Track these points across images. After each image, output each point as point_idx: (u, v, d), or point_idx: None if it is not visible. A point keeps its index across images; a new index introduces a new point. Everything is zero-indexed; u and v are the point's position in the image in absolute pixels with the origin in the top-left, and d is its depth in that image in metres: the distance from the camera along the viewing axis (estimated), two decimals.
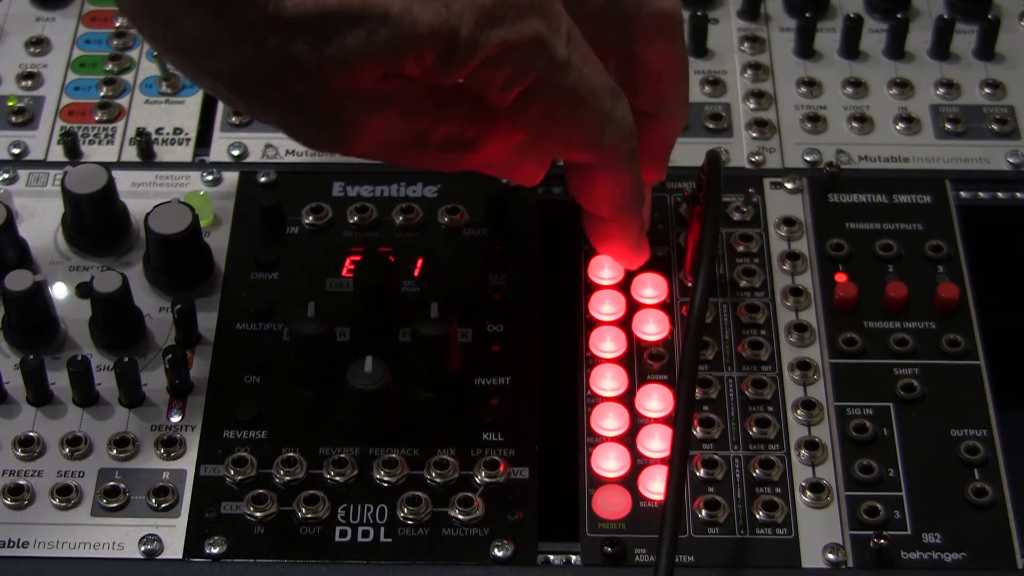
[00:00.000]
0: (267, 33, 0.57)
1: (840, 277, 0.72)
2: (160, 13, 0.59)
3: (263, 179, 0.76)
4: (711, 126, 0.79)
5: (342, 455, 0.66)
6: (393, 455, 0.66)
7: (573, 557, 0.64)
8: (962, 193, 0.76)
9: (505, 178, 0.71)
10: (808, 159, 0.77)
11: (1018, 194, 0.76)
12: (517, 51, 0.59)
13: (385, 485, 0.65)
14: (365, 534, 0.64)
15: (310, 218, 0.74)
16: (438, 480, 0.65)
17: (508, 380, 0.69)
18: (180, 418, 0.68)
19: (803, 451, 0.66)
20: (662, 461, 0.66)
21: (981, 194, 0.76)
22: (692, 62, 0.82)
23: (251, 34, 0.57)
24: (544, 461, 0.66)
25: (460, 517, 0.64)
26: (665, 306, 0.71)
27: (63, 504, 0.65)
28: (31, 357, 0.67)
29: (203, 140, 0.79)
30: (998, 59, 0.82)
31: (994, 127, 0.79)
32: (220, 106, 0.79)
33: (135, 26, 0.62)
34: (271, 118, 0.61)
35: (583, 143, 0.64)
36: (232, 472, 0.66)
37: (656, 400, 0.68)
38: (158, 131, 0.79)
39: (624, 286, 0.72)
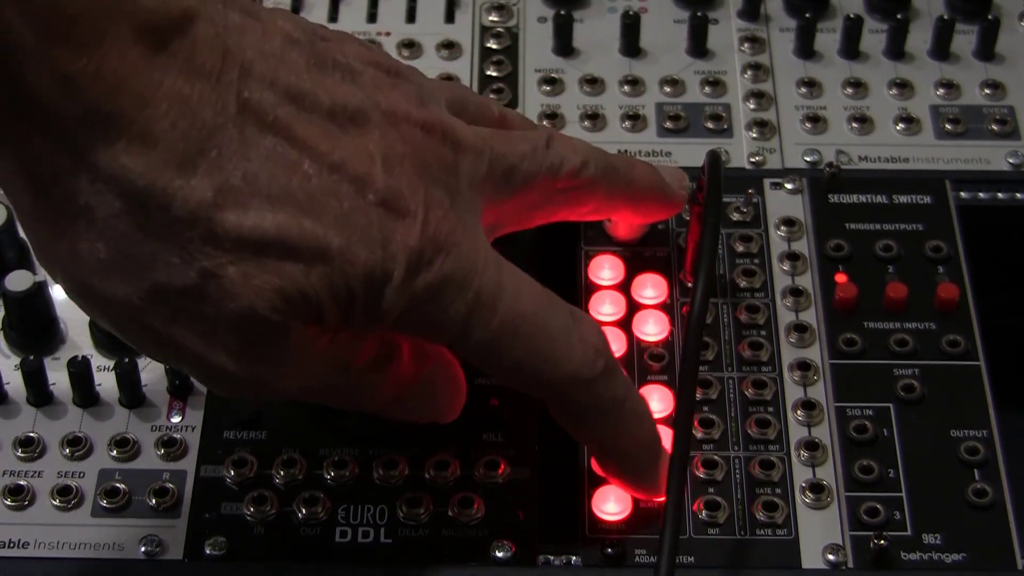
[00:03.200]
0: (196, 254, 0.52)
1: (840, 277, 0.72)
2: (63, 231, 0.52)
3: None
4: (711, 126, 0.79)
5: (342, 455, 0.66)
6: (393, 455, 0.66)
7: (573, 558, 0.64)
8: (962, 193, 0.76)
9: (422, 420, 0.64)
10: (808, 159, 0.77)
11: (1018, 195, 0.76)
12: (445, 292, 0.56)
13: (385, 486, 0.65)
14: (365, 534, 0.64)
15: None
16: (438, 480, 0.65)
17: None
18: (180, 419, 0.68)
19: (803, 452, 0.66)
20: None
21: (981, 194, 0.76)
22: (692, 62, 0.82)
23: (177, 253, 0.52)
24: (544, 461, 0.66)
25: (460, 518, 0.64)
26: (665, 307, 0.71)
27: (63, 505, 0.65)
28: (31, 358, 0.67)
29: None
30: (998, 59, 0.82)
31: (994, 127, 0.79)
32: None
33: (27, 236, 0.54)
34: (185, 351, 0.55)
35: (539, 377, 0.59)
36: (232, 473, 0.66)
37: (656, 401, 0.68)
38: None
39: (624, 287, 0.72)
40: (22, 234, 0.72)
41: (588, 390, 0.60)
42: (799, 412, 0.68)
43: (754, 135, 0.78)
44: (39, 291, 0.68)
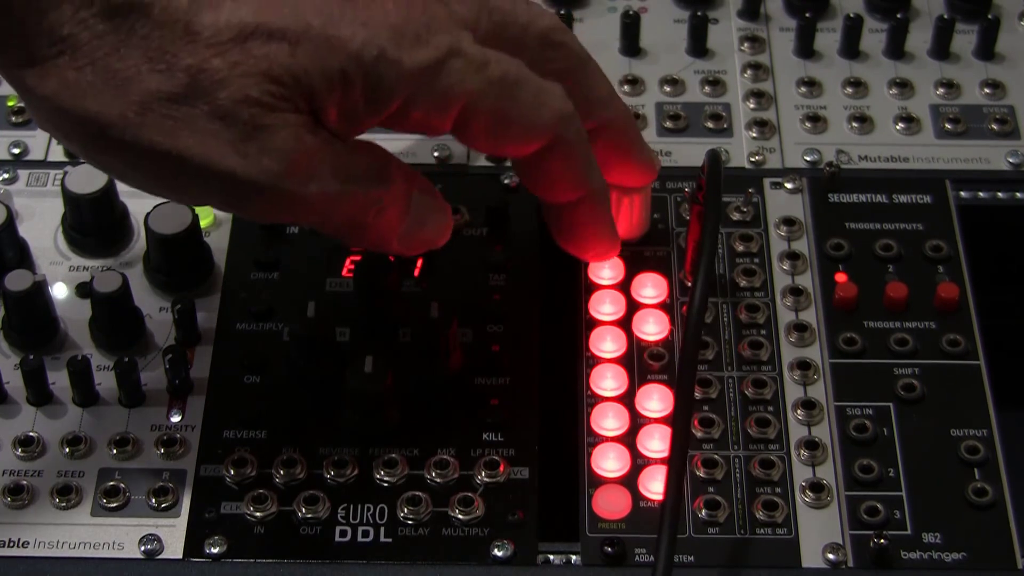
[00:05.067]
0: (179, 55, 0.55)
1: (840, 277, 0.72)
2: (50, 68, 0.56)
3: None
4: (711, 126, 0.79)
5: (342, 455, 0.66)
6: (393, 455, 0.66)
7: (573, 557, 0.64)
8: (962, 193, 0.76)
9: (422, 246, 0.65)
10: (808, 159, 0.77)
11: (1018, 194, 0.76)
12: (441, 69, 0.59)
13: (385, 485, 0.65)
14: (365, 534, 0.64)
15: None
16: (438, 480, 0.65)
17: (508, 380, 0.69)
18: (180, 418, 0.68)
19: (803, 451, 0.66)
20: (662, 461, 0.66)
21: (981, 194, 0.76)
22: (692, 62, 0.82)
23: (162, 59, 0.55)
24: (544, 461, 0.66)
25: (460, 517, 0.64)
26: (665, 306, 0.71)
27: (63, 504, 0.65)
28: (31, 357, 0.67)
29: None
30: (998, 59, 0.82)
31: (994, 127, 0.79)
32: None
33: (14, 86, 0.58)
34: (189, 162, 0.56)
35: (535, 126, 0.63)
36: (232, 472, 0.66)
37: (656, 400, 0.68)
38: None
39: (624, 286, 0.72)
40: (22, 234, 0.73)
41: (574, 123, 0.64)
42: (799, 411, 0.68)
43: (754, 135, 0.78)
44: (39, 290, 0.68)
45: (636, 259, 0.73)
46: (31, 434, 0.67)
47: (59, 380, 0.68)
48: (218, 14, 0.56)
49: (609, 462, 0.66)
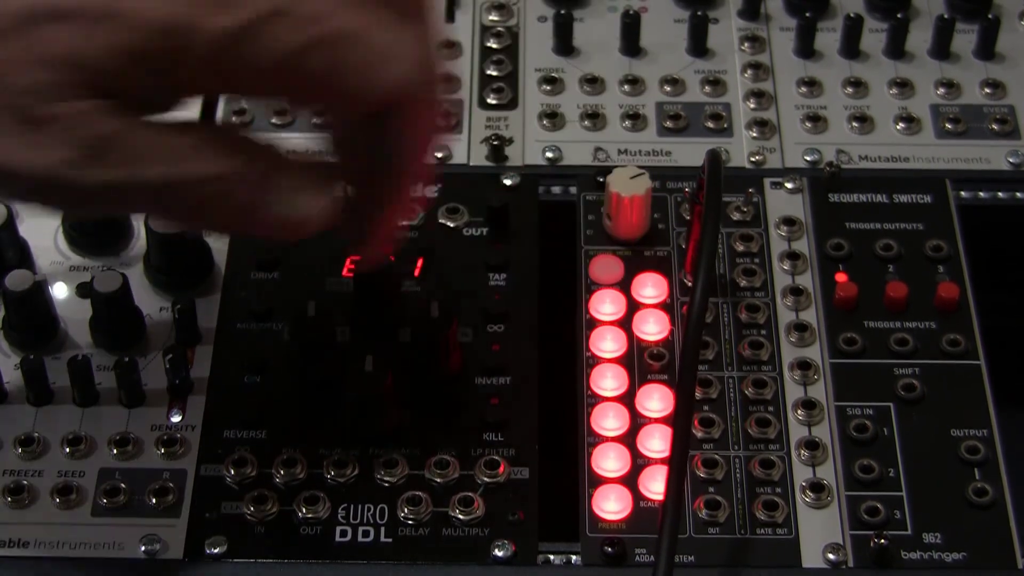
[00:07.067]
0: None
1: (840, 277, 0.72)
2: None
3: None
4: (711, 126, 0.79)
5: (342, 455, 0.66)
6: (393, 455, 0.66)
7: (573, 557, 0.64)
8: (962, 193, 0.76)
9: (282, 231, 0.58)
10: (808, 159, 0.77)
11: (1018, 194, 0.76)
12: (253, 34, 0.52)
13: (385, 485, 0.65)
14: (365, 534, 0.64)
15: None
16: (438, 480, 0.65)
17: (508, 380, 0.69)
18: (180, 418, 0.68)
19: (803, 451, 0.66)
20: (662, 461, 0.66)
21: (981, 194, 0.76)
22: (693, 62, 0.82)
23: None
24: (544, 461, 0.66)
25: (460, 517, 0.64)
26: (665, 306, 0.71)
27: (64, 504, 0.65)
28: (31, 357, 0.67)
29: None
30: (998, 59, 0.82)
31: (994, 127, 0.79)
32: (220, 105, 0.78)
33: None
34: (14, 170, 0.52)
35: (373, 90, 0.54)
36: (232, 472, 0.66)
37: (656, 400, 0.68)
38: None
39: (624, 286, 0.72)
40: (22, 233, 0.73)
41: (425, 89, 0.56)
42: (799, 411, 0.68)
43: (754, 134, 0.78)
44: (39, 290, 0.68)
45: (636, 259, 0.73)
46: (32, 434, 0.67)
47: (59, 380, 0.68)
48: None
49: (609, 462, 0.66)
